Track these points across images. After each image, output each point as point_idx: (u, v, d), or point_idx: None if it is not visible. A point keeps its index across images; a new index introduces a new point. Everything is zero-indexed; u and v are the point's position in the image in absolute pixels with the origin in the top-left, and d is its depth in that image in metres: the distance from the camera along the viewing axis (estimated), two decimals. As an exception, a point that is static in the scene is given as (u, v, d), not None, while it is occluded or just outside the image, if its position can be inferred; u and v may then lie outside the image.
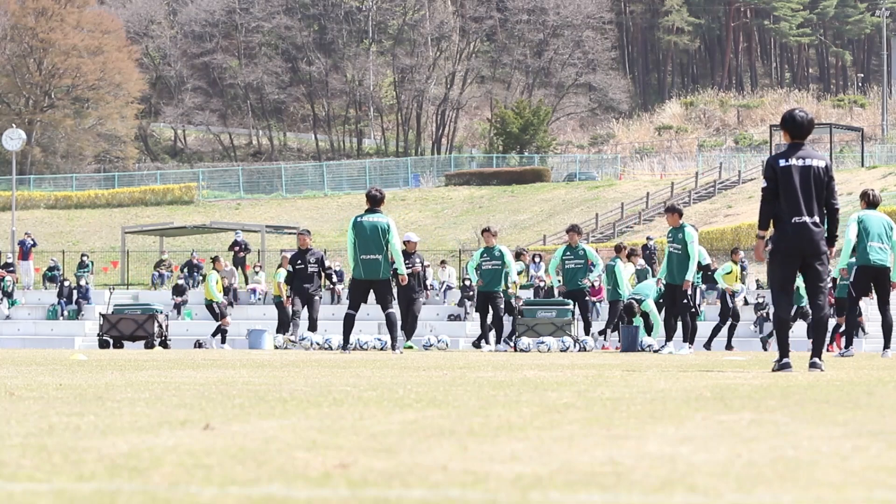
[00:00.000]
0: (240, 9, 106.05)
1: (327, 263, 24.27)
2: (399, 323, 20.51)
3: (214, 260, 33.32)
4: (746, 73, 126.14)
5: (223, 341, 31.89)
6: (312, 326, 24.46)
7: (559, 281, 24.92)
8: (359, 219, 19.05)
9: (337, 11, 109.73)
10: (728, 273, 28.83)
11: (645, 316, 25.45)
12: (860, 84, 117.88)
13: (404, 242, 22.62)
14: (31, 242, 52.12)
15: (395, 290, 20.96)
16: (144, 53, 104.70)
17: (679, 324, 21.13)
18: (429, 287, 25.03)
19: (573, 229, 24.58)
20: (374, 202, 19.05)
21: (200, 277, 50.09)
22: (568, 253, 24.10)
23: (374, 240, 18.81)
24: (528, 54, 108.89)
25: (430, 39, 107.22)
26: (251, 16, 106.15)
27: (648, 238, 47.74)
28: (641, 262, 39.10)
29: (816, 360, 10.83)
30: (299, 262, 24.15)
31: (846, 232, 18.35)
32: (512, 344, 24.42)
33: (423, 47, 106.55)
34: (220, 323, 31.13)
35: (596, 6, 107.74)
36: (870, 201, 18.56)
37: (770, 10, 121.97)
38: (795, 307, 24.56)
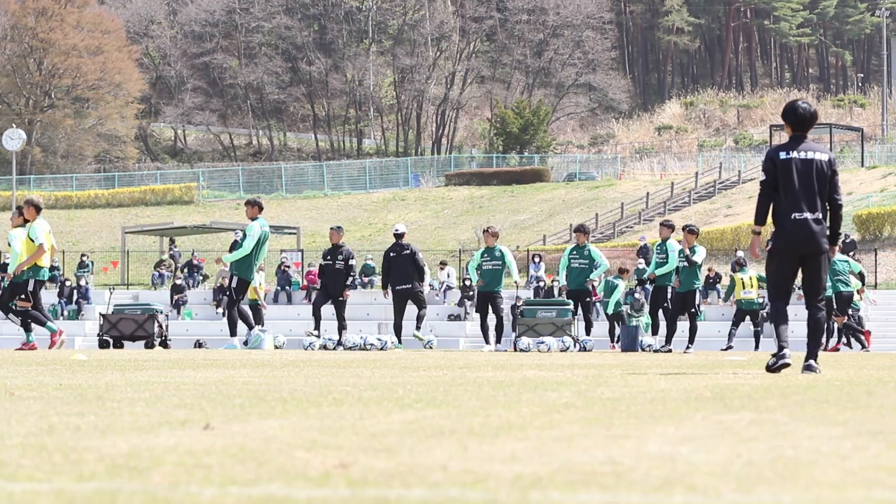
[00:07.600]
0: (240, 9, 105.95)
1: (352, 263, 23.99)
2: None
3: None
4: (746, 73, 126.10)
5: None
6: (341, 327, 24.19)
7: (566, 279, 24.91)
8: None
9: (337, 11, 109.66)
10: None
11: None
12: (860, 84, 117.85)
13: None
14: (32, 242, 52.05)
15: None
16: (144, 53, 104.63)
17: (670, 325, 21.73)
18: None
19: (580, 229, 24.41)
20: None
21: (201, 277, 50.04)
22: (574, 253, 24.04)
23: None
24: (528, 54, 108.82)
25: (430, 39, 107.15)
26: (251, 16, 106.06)
27: (642, 238, 47.72)
28: (641, 261, 39.22)
29: (812, 362, 10.23)
30: (328, 257, 24.08)
31: None
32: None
33: (423, 47, 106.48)
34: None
35: (596, 6, 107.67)
36: None
37: (770, 10, 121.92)
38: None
